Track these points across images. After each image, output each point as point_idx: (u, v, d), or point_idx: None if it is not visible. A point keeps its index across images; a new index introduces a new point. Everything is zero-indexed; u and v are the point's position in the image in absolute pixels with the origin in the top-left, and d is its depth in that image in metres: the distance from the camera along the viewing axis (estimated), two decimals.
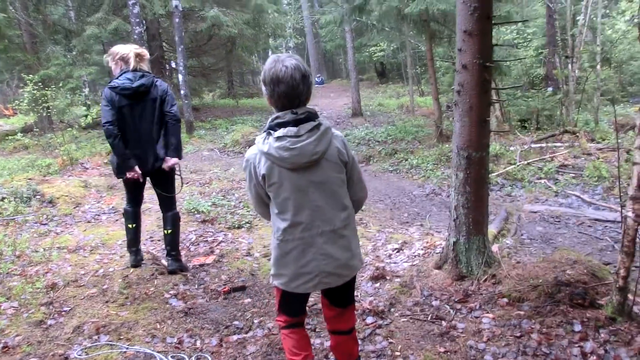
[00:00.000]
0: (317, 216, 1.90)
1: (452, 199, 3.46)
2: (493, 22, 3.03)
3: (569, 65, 8.96)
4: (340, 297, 2.12)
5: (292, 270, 1.95)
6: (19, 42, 13.00)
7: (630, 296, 2.42)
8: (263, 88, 1.87)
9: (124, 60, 3.48)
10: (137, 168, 3.57)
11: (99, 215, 5.69)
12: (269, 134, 1.85)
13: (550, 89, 10.28)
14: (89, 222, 5.44)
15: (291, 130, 1.81)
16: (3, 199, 5.65)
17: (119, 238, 4.63)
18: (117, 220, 5.44)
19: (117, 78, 3.48)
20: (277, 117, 1.85)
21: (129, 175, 3.58)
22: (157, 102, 3.53)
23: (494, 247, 3.82)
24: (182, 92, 12.22)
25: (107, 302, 3.35)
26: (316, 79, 27.63)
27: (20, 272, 3.78)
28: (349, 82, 15.27)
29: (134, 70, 3.50)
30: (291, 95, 1.81)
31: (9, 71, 15.46)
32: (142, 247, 4.43)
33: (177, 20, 11.77)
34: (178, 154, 3.69)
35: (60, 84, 10.36)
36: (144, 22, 13.61)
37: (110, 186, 6.95)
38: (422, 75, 18.46)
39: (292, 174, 1.86)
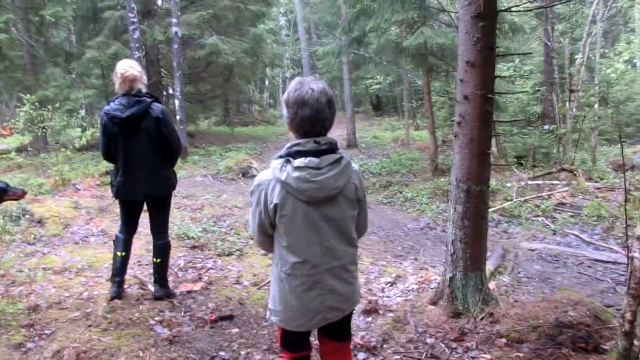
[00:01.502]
0: (327, 253, 1.81)
1: (449, 233, 3.39)
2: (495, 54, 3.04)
3: (567, 104, 9.09)
4: (339, 330, 2.01)
5: (295, 308, 1.84)
6: (19, 63, 13.07)
7: (636, 342, 2.32)
8: (285, 111, 1.77)
9: (121, 79, 3.39)
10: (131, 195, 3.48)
11: (87, 237, 5.54)
12: (288, 161, 1.73)
13: (546, 126, 10.40)
14: (76, 243, 5.29)
15: (313, 161, 1.70)
16: None
17: (105, 261, 4.48)
18: (105, 242, 5.30)
19: (112, 101, 3.41)
20: (297, 144, 1.74)
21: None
22: (152, 130, 3.38)
23: (491, 285, 3.73)
24: (177, 117, 12.23)
25: (89, 326, 3.20)
26: None
27: (3, 291, 3.63)
28: (344, 114, 15.40)
29: (129, 93, 3.37)
30: (315, 120, 1.71)
31: (8, 91, 15.48)
32: (130, 271, 4.31)
33: (175, 46, 11.90)
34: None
35: (58, 105, 10.33)
36: (144, 47, 13.75)
37: (100, 208, 6.81)
38: (418, 109, 18.69)
39: (307, 207, 1.75)
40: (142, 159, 3.42)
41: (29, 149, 10.27)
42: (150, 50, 14.84)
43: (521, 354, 2.74)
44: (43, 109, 8.90)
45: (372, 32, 9.55)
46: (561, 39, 11.36)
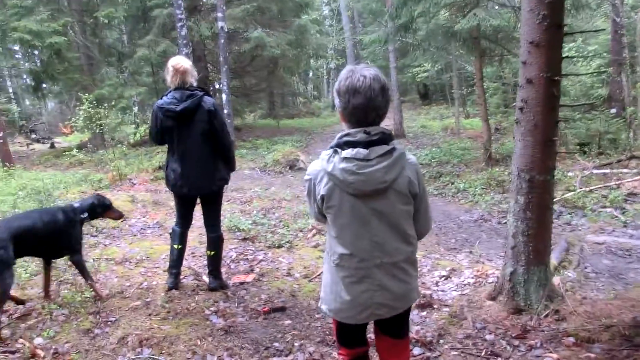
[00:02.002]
0: (377, 248, 1.73)
1: (509, 225, 3.21)
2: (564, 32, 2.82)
3: (638, 85, 8.40)
4: (394, 327, 1.94)
5: (343, 299, 1.79)
6: (77, 64, 13.72)
7: None
8: (336, 100, 1.71)
9: (173, 71, 3.41)
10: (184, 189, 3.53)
11: (144, 229, 5.75)
12: (336, 152, 1.68)
13: (613, 110, 9.66)
14: (134, 235, 5.50)
15: (360, 152, 1.63)
16: None
17: (162, 252, 4.62)
18: (160, 234, 5.47)
19: (165, 95, 3.46)
20: (347, 135, 1.68)
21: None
22: (205, 123, 3.41)
23: (556, 280, 3.51)
24: (225, 111, 12.43)
25: (150, 315, 3.31)
26: None
27: (71, 280, 3.81)
28: (391, 103, 15.11)
29: (181, 87, 3.41)
30: (368, 108, 1.64)
31: (68, 92, 16.32)
32: (185, 262, 4.41)
33: (222, 41, 12.05)
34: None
35: (112, 103, 10.77)
36: (191, 43, 14.06)
37: (155, 202, 7.04)
38: (468, 97, 18.07)
39: (354, 200, 1.68)
40: (195, 153, 3.47)
41: (88, 146, 10.80)
42: (197, 46, 15.15)
43: (592, 355, 2.55)
44: (99, 107, 9.31)
45: (421, 17, 9.22)
46: (632, 14, 10.46)
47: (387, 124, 15.40)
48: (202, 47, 15.61)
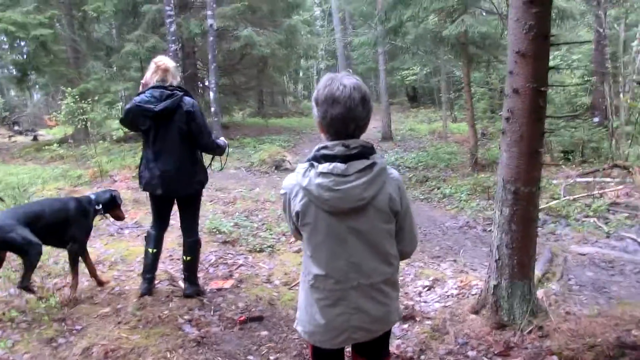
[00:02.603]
0: (353, 268, 1.62)
1: (494, 237, 3.14)
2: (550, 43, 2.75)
3: (621, 95, 8.47)
4: (373, 350, 1.83)
5: (317, 322, 1.68)
6: (63, 57, 13.45)
7: None
8: (314, 110, 1.60)
9: (154, 68, 3.30)
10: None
11: (122, 229, 5.57)
12: (312, 165, 1.57)
13: (596, 119, 9.74)
14: (111, 235, 5.33)
15: (338, 167, 1.52)
16: None
17: (138, 254, 4.46)
18: (138, 235, 5.31)
19: (143, 92, 3.32)
20: (324, 147, 1.58)
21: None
22: (183, 124, 3.29)
23: (539, 293, 3.45)
24: (212, 109, 12.28)
25: (119, 323, 3.17)
26: None
27: (38, 284, 3.65)
28: (379, 106, 15.06)
29: (161, 85, 3.29)
30: (347, 118, 1.54)
31: (54, 84, 16.02)
32: (161, 265, 4.28)
33: (211, 39, 11.89)
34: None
35: (97, 98, 10.55)
36: (180, 40, 13.87)
37: (135, 200, 6.86)
38: (456, 101, 18.11)
39: (330, 217, 1.58)
40: (172, 154, 3.33)
41: (69, 140, 10.55)
42: (187, 43, 14.96)
43: None
44: (84, 101, 9.09)
45: (410, 22, 9.19)
46: (615, 25, 10.59)
47: (375, 126, 15.40)
48: (192, 44, 15.41)
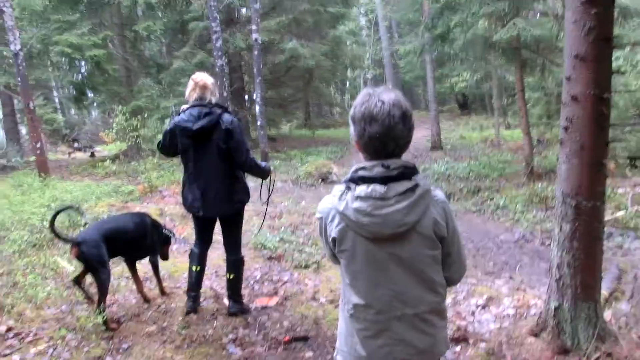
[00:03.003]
0: (397, 298, 1.50)
1: (553, 256, 2.90)
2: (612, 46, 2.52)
3: None
4: None
5: (358, 354, 1.57)
6: (116, 76, 14.12)
7: None
8: (351, 128, 1.49)
9: (193, 85, 3.31)
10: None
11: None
12: (349, 188, 1.46)
13: None
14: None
15: (377, 190, 1.41)
16: (86, 224, 5.83)
17: (185, 270, 4.48)
18: (186, 251, 5.34)
19: (183, 111, 3.34)
20: (362, 168, 1.46)
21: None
22: (221, 142, 3.26)
23: (607, 315, 3.16)
24: (258, 122, 12.45)
25: (164, 342, 3.19)
26: None
27: (88, 300, 3.74)
28: (428, 114, 14.75)
29: (200, 104, 3.28)
30: (386, 137, 1.42)
31: (109, 102, 16.86)
32: (207, 282, 4.29)
33: (256, 52, 12.11)
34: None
35: (146, 114, 10.95)
36: (226, 55, 14.23)
37: (183, 215, 6.99)
38: (509, 107, 17.42)
39: (369, 244, 1.46)
40: (212, 173, 3.32)
41: (121, 157, 10.99)
42: (233, 57, 15.36)
43: None
44: (135, 118, 9.45)
45: (458, 27, 8.92)
46: None
47: (425, 134, 15.05)
48: (238, 59, 15.80)
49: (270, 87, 16.98)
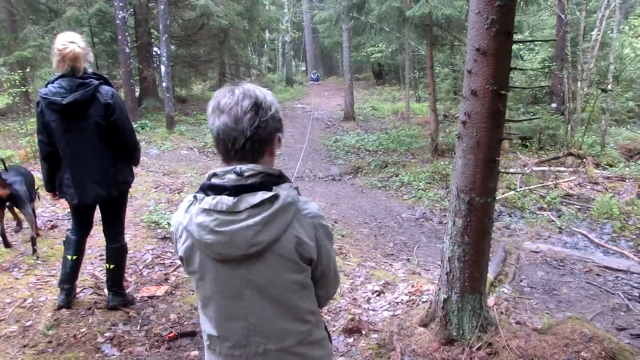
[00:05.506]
0: (255, 331, 1.26)
1: (445, 249, 2.91)
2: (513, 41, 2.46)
3: (578, 83, 8.42)
4: None
5: None
6: None
7: None
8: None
9: (59, 57, 2.80)
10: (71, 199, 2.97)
11: (51, 221, 5.06)
12: (196, 198, 1.21)
13: (554, 105, 9.73)
14: (38, 228, 4.81)
15: (223, 202, 1.16)
16: None
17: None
18: (69, 229, 4.82)
19: (51, 82, 2.83)
20: (214, 174, 1.22)
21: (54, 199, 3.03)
22: (101, 119, 2.83)
23: (490, 300, 3.29)
24: (164, 84, 11.57)
25: (25, 346, 2.77)
26: (312, 75, 27.04)
27: None
28: (342, 83, 14.69)
29: (72, 74, 2.79)
30: (234, 130, 1.17)
31: None
32: (88, 267, 3.87)
33: (162, 7, 11.09)
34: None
35: (29, 68, 9.66)
36: (131, 5, 12.90)
37: None
38: (420, 79, 17.91)
39: (220, 266, 1.21)
40: (89, 155, 2.88)
41: (5, 114, 9.67)
42: (139, 9, 13.99)
43: None
44: (20, 70, 8.25)
45: None
46: (576, 12, 10.50)
47: (339, 103, 15.00)
48: (145, 11, 14.41)
49: (182, 45, 15.82)
